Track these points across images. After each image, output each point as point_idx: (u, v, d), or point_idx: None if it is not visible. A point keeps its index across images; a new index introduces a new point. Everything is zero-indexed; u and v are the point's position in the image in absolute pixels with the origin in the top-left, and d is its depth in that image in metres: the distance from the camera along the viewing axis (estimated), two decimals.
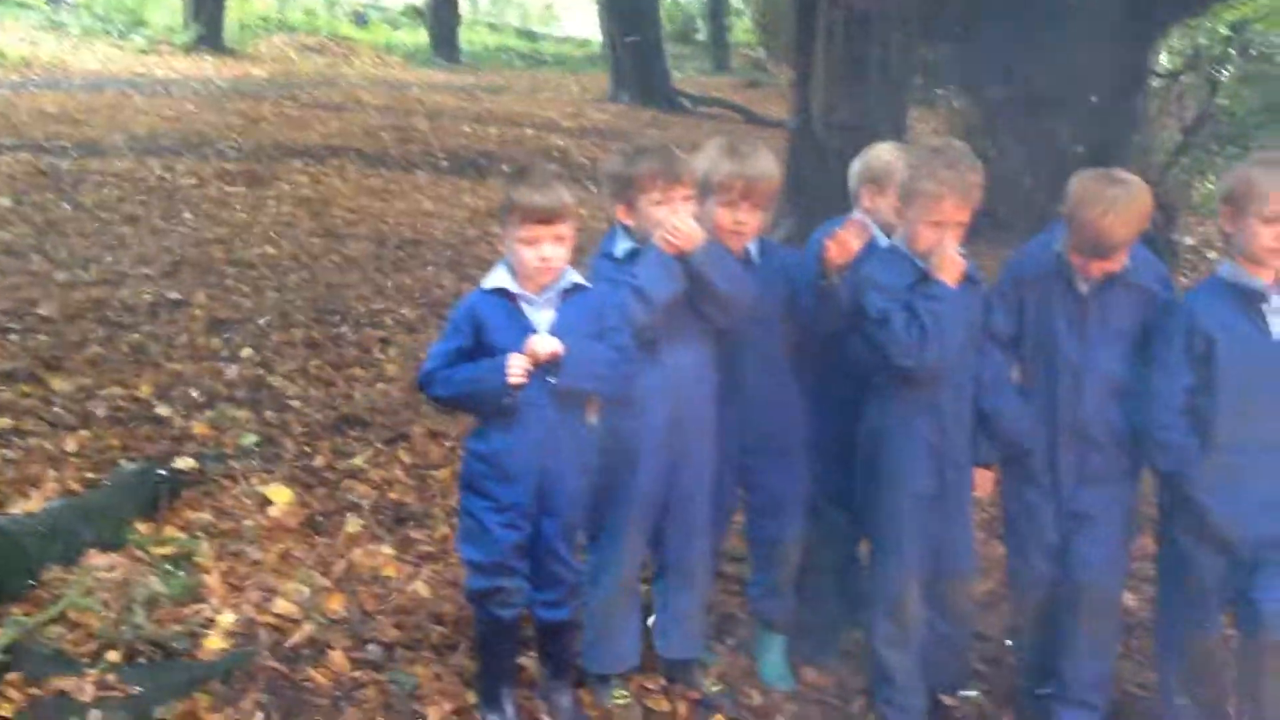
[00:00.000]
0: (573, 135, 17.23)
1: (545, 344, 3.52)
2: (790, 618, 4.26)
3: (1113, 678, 4.15)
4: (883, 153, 4.17)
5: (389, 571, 4.61)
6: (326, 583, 4.46)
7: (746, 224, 3.93)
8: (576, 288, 3.65)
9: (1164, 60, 13.42)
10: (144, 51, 23.53)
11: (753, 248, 4.02)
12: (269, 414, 5.97)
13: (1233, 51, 13.90)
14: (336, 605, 4.33)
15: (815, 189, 9.13)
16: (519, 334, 3.55)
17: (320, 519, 5.00)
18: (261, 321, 7.32)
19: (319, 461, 5.53)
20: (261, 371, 6.53)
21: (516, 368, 3.48)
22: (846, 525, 4.21)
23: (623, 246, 3.83)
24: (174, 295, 7.65)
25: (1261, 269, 3.61)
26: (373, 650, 4.10)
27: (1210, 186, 14.62)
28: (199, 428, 5.67)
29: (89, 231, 9.06)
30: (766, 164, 3.94)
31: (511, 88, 23.41)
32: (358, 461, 5.56)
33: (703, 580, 4.03)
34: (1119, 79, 11.32)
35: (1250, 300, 3.62)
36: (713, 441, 3.94)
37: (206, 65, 22.36)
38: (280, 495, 5.08)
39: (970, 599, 4.26)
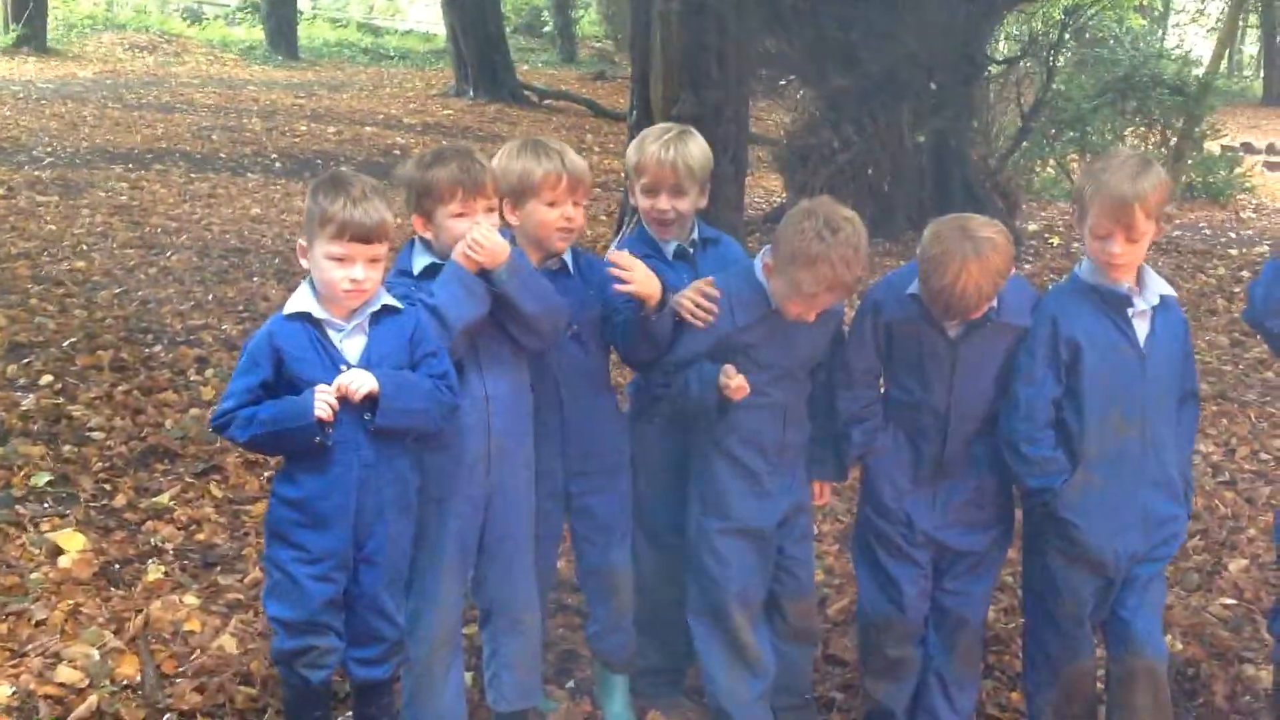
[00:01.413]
0: (415, 132, 16.79)
1: (359, 382, 3.16)
2: (631, 655, 3.96)
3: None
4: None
5: (192, 625, 4.19)
6: (119, 643, 4.03)
7: (575, 220, 3.65)
8: (387, 309, 3.29)
9: (1002, 47, 13.44)
10: None
11: (567, 257, 3.73)
12: (67, 448, 5.48)
13: (1068, 37, 14.05)
14: (129, 669, 3.91)
15: None
16: (326, 364, 3.19)
17: (118, 567, 4.57)
18: (65, 344, 6.79)
19: (119, 500, 5.07)
20: (61, 400, 6.02)
21: (323, 401, 3.12)
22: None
23: (420, 262, 3.47)
24: None
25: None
26: None
27: (1050, 172, 14.80)
28: None
29: None
30: (581, 160, 3.69)
31: (352, 83, 22.84)
32: (163, 499, 5.12)
33: (531, 622, 3.67)
34: (958, 66, 11.29)
35: (1114, 305, 3.43)
36: (530, 473, 3.63)
37: (28, 66, 21.32)
38: (72, 542, 4.63)
39: (812, 618, 4.05)
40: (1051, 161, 14.74)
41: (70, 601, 4.26)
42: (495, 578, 3.62)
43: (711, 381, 3.53)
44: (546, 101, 21.46)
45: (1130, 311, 3.43)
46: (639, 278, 3.49)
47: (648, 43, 9.40)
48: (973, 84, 11.58)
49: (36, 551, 4.57)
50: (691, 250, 3.83)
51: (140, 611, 4.23)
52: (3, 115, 14.98)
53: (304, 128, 15.82)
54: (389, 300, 3.29)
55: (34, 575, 4.40)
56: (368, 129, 16.30)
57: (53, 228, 9.42)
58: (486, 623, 3.71)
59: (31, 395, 6.04)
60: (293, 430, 3.14)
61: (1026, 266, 10.61)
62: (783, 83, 13.05)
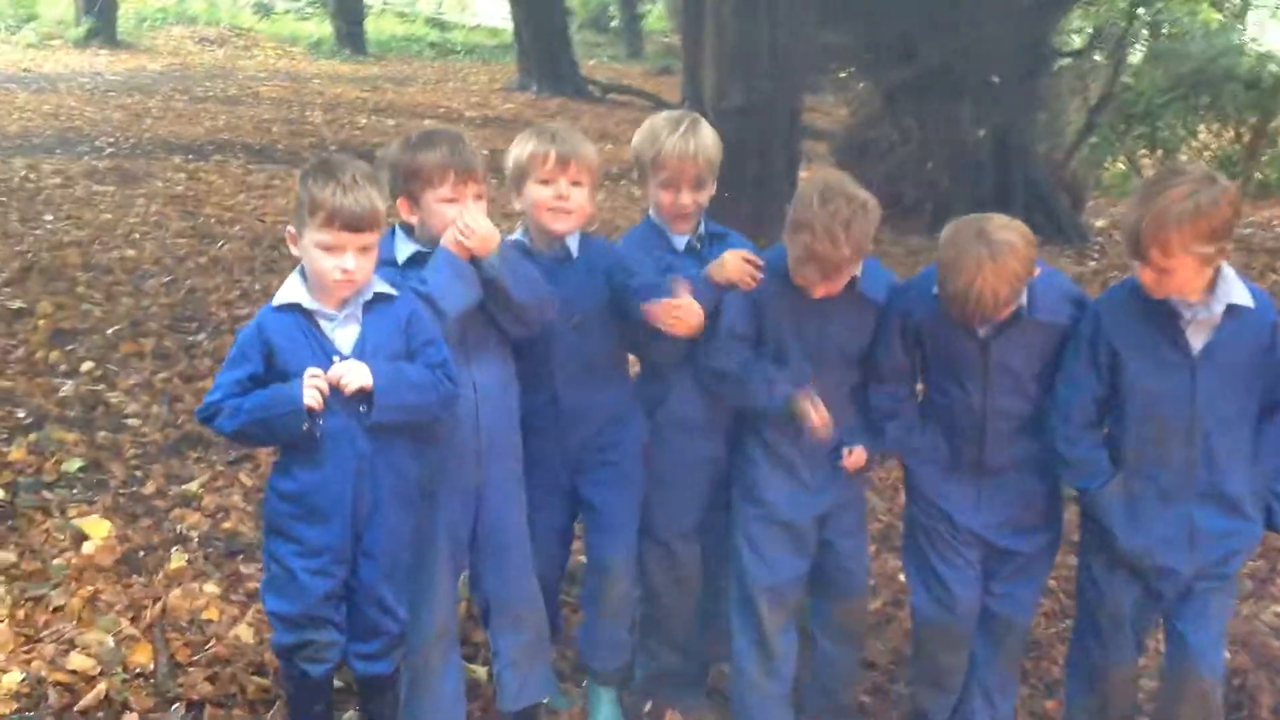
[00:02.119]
0: (476, 125, 16.73)
1: (354, 376, 3.08)
2: (620, 668, 3.86)
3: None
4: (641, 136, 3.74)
5: (210, 614, 4.16)
6: (134, 631, 4.00)
7: (570, 199, 3.54)
8: (381, 297, 3.20)
9: (1070, 40, 13.15)
10: (33, 46, 22.69)
11: (572, 242, 3.64)
12: (101, 435, 5.47)
13: (1144, 31, 13.75)
14: (143, 657, 3.88)
15: None
16: (318, 356, 3.10)
17: (141, 554, 4.54)
18: (110, 331, 6.80)
19: (149, 488, 5.05)
20: (101, 387, 6.03)
21: (313, 388, 3.03)
22: (702, 560, 3.86)
23: (404, 250, 3.37)
24: (17, 304, 7.10)
25: None
26: (176, 711, 3.65)
27: (1121, 167, 14.50)
28: (15, 453, 5.16)
29: None
30: (583, 142, 3.60)
31: (417, 78, 22.89)
32: (192, 487, 5.09)
33: (532, 619, 3.57)
34: (1022, 59, 11.06)
35: (1163, 312, 3.24)
36: (518, 465, 3.54)
37: (99, 59, 21.61)
38: (97, 529, 4.61)
39: (858, 618, 3.91)
40: (1121, 157, 14.43)
41: (90, 588, 4.23)
42: (490, 573, 3.54)
43: (782, 398, 3.48)
44: (610, 96, 21.35)
45: (1185, 319, 3.23)
46: (693, 322, 3.46)
47: (700, 34, 9.30)
48: (1037, 77, 11.32)
49: (61, 537, 4.55)
50: (699, 246, 3.74)
51: (159, 599, 4.20)
52: (69, 106, 15.16)
53: (364, 121, 15.85)
54: (382, 288, 3.19)
55: (56, 561, 4.38)
56: (427, 122, 16.24)
57: (108, 216, 9.47)
58: (486, 621, 3.62)
59: (71, 382, 6.05)
60: (280, 417, 3.05)
61: (1091, 264, 10.38)
62: (842, 75, 12.85)
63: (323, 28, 28.79)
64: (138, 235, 8.96)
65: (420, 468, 3.28)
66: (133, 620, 4.08)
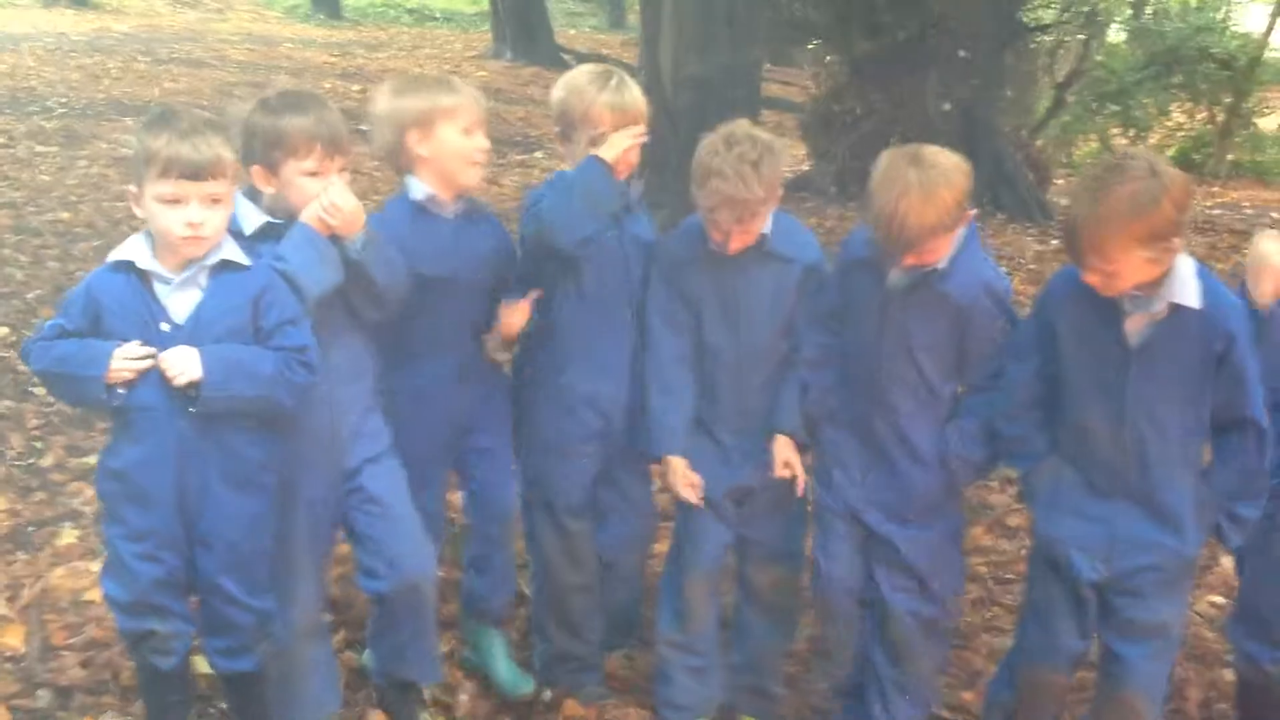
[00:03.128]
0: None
1: (180, 368, 2.84)
2: (509, 609, 3.83)
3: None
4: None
5: (93, 595, 3.94)
6: (7, 612, 3.82)
7: (486, 148, 3.42)
8: (229, 265, 2.94)
9: (1041, 15, 12.95)
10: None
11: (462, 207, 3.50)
12: (4, 404, 5.28)
13: (1128, 9, 13.58)
14: (14, 640, 3.70)
15: (665, 148, 8.57)
16: (145, 321, 2.87)
17: (30, 529, 4.35)
18: (31, 296, 6.58)
19: (48, 460, 4.86)
20: (11, 354, 5.81)
21: (123, 361, 2.81)
22: (592, 536, 3.72)
23: (253, 220, 3.11)
24: None
25: None
26: (42, 697, 3.48)
27: (1093, 145, 14.34)
28: None
29: None
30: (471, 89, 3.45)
31: (391, 44, 22.59)
32: (93, 460, 4.87)
33: (427, 592, 3.35)
34: (991, 33, 10.87)
35: (1110, 299, 3.00)
36: (376, 442, 3.33)
37: (64, 19, 21.26)
38: None
39: (783, 591, 3.69)
40: (1093, 136, 14.26)
41: None
42: (382, 542, 3.31)
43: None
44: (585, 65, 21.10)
45: (1126, 310, 2.99)
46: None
47: (659, 2, 9.08)
48: (1005, 52, 11.12)
49: None
50: (620, 210, 3.52)
51: (41, 578, 4.01)
52: (26, 66, 14.86)
53: (329, 85, 15.54)
54: (233, 254, 2.94)
55: None
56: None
57: (46, 178, 9.23)
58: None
59: None
60: (79, 378, 2.83)
61: (1053, 242, 10.20)
62: (809, 47, 12.64)
63: None
64: (74, 198, 8.72)
65: (263, 452, 3.05)
66: (10, 599, 3.89)
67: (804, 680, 3.86)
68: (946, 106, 10.69)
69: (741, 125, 3.31)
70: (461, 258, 3.43)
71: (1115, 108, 13.46)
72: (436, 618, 3.49)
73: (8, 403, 5.29)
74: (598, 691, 3.76)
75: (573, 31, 25.78)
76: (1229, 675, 4.01)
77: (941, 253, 3.15)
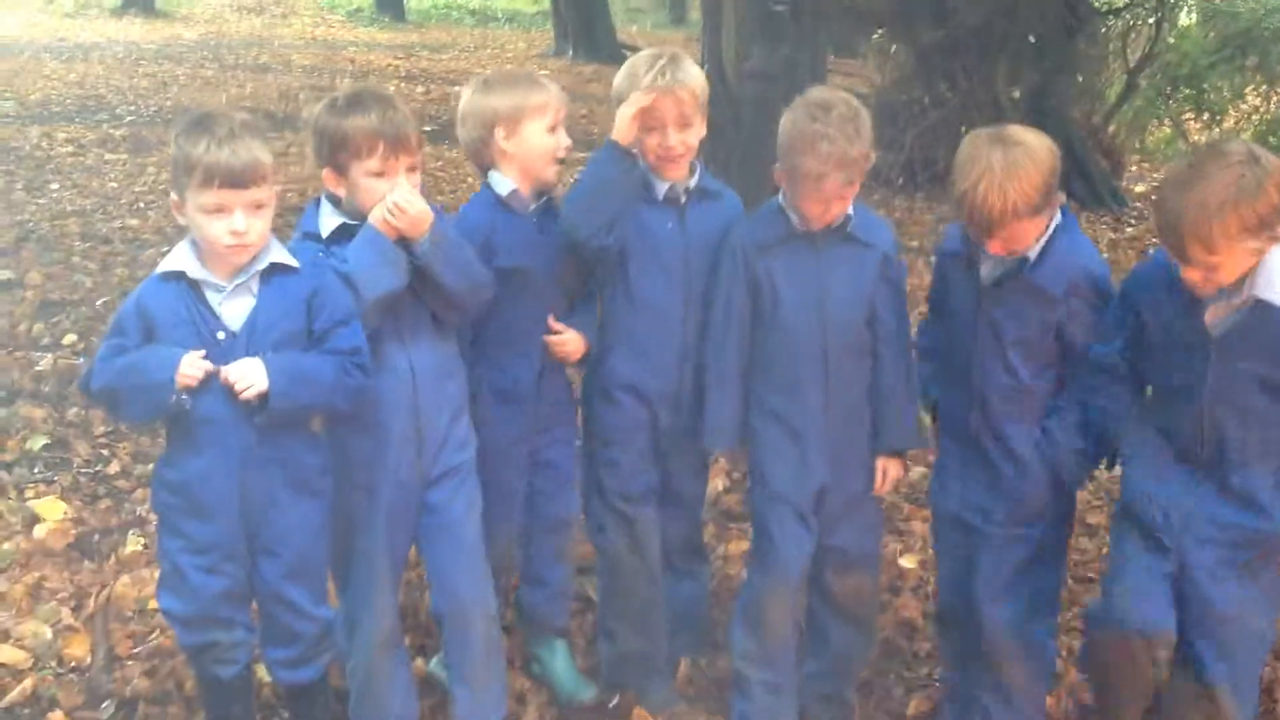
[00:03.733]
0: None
1: (247, 380, 2.79)
2: (568, 617, 3.81)
3: None
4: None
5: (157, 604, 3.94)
6: (74, 621, 3.81)
7: (569, 145, 3.41)
8: (279, 268, 2.90)
9: None
10: (70, 15, 22.67)
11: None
12: (72, 411, 5.28)
13: None
14: (79, 650, 3.69)
15: (729, 140, 8.49)
16: (202, 332, 2.83)
17: (96, 538, 4.35)
18: (99, 303, 6.61)
19: (113, 468, 4.86)
20: (80, 361, 5.82)
21: (193, 368, 2.77)
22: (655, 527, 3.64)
23: (329, 222, 3.08)
24: (6, 275, 6.93)
25: None
26: (106, 708, 3.46)
27: (1166, 130, 14.02)
28: None
29: None
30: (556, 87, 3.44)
31: (454, 45, 22.65)
32: None
33: (482, 623, 3.28)
34: (1060, 18, 10.64)
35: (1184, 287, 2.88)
36: (462, 451, 3.28)
37: (133, 28, 21.55)
38: (51, 511, 4.44)
39: (864, 599, 3.60)
40: (1166, 121, 13.95)
41: (36, 574, 4.04)
42: (438, 572, 3.30)
43: None
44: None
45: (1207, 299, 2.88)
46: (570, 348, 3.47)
47: None
48: (1075, 37, 10.88)
49: (13, 520, 4.37)
50: (684, 199, 3.45)
51: (106, 586, 4.00)
52: (95, 75, 15.05)
53: (392, 87, 15.58)
54: (281, 256, 2.90)
55: (5, 545, 4.20)
56: (456, 89, 15.99)
57: (114, 185, 9.30)
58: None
59: (49, 355, 5.87)
60: (148, 386, 2.77)
61: (1129, 229, 10.00)
62: (875, 37, 12.47)
63: None
64: (142, 204, 8.78)
65: (321, 457, 3.02)
66: (75, 609, 3.89)
67: (879, 686, 3.76)
68: (1015, 94, 10.50)
69: (821, 91, 3.26)
70: (541, 251, 3.40)
71: (1188, 91, 13.15)
72: (500, 649, 3.45)
73: (76, 410, 5.29)
74: (666, 697, 3.67)
75: (634, 28, 25.69)
76: None
77: (1029, 239, 3.04)
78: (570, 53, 20.61)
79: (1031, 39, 10.48)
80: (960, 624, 3.43)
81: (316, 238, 3.08)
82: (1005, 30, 10.48)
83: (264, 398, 2.82)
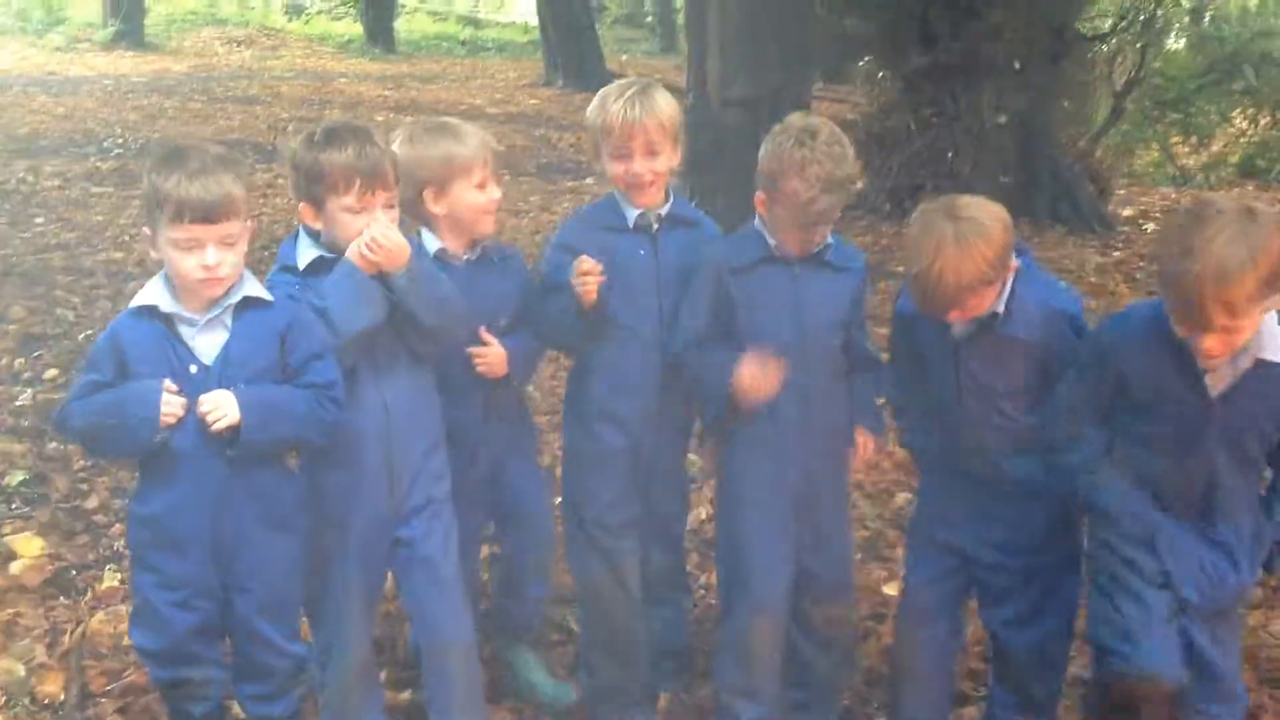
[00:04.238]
0: (498, 122, 16.47)
1: (219, 413, 2.79)
2: (540, 625, 3.90)
3: None
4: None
5: None
6: (47, 659, 3.76)
7: (497, 200, 3.42)
8: (252, 302, 2.89)
9: (1098, 24, 12.72)
10: (61, 49, 22.71)
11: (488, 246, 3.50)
12: (52, 446, 5.24)
13: (1186, 17, 13.32)
14: (53, 687, 3.65)
15: (713, 168, 8.48)
16: (174, 365, 2.82)
17: (73, 573, 4.30)
18: (81, 337, 6.57)
19: (92, 502, 4.82)
20: (60, 395, 5.75)
21: (172, 405, 2.76)
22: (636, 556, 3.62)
23: (306, 255, 3.07)
24: None
25: None
26: None
27: (1155, 154, 14.05)
28: None
29: None
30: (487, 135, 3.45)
31: (445, 76, 22.71)
32: None
33: (458, 655, 3.27)
34: (1046, 43, 10.65)
35: (1184, 349, 2.82)
36: (444, 485, 3.27)
37: (124, 62, 21.59)
38: (28, 547, 4.39)
39: (843, 627, 3.61)
40: (1154, 144, 13.99)
41: (10, 611, 4.00)
42: (415, 606, 3.28)
43: (726, 370, 3.23)
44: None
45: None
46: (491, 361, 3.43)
47: (705, 20, 8.99)
48: (1061, 62, 10.90)
49: None
50: (655, 225, 3.44)
51: (82, 622, 3.96)
52: (84, 109, 15.05)
53: (382, 118, 15.59)
54: (255, 290, 2.89)
55: None
56: (447, 120, 16.05)
57: (99, 218, 9.27)
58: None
59: (30, 390, 5.83)
60: (130, 424, 2.76)
61: (1115, 254, 9.97)
62: (861, 64, 12.50)
63: (354, 27, 28.72)
64: (127, 237, 8.74)
65: (295, 491, 3.00)
66: (49, 646, 3.84)
67: (861, 714, 3.72)
68: (1002, 119, 10.49)
69: (802, 117, 3.28)
70: (471, 303, 3.34)
71: (1176, 115, 13.19)
72: (480, 682, 3.42)
73: (55, 444, 5.25)
74: None
75: (625, 57, 25.84)
76: None
77: (986, 305, 3.00)
78: (560, 82, 20.66)
79: (1017, 65, 10.47)
80: (928, 651, 3.39)
81: (294, 270, 3.06)
82: (991, 56, 10.49)
83: (236, 430, 2.80)
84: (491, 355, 3.42)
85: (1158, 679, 2.97)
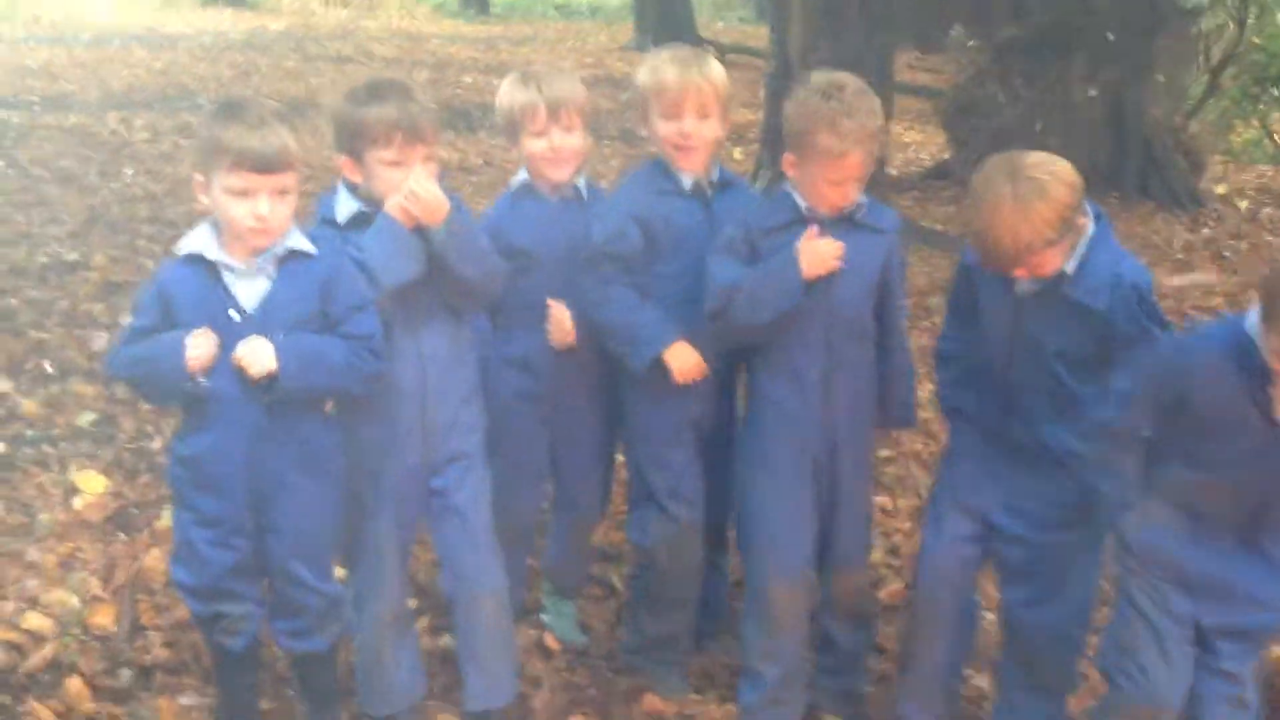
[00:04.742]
0: (585, 84, 16.46)
1: (255, 359, 2.85)
2: (581, 583, 3.99)
3: None
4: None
5: None
6: (101, 591, 3.87)
7: (563, 147, 3.42)
8: (297, 254, 2.94)
9: None
10: (161, 6, 23.09)
11: (581, 184, 3.52)
12: (121, 389, 5.35)
13: None
14: (105, 619, 3.74)
15: None
16: (216, 311, 2.88)
17: (133, 511, 4.42)
18: None
19: (157, 444, 4.92)
20: None
21: (200, 349, 2.82)
22: (701, 526, 3.62)
23: (346, 209, 3.11)
24: (73, 257, 7.06)
25: None
26: (124, 676, 3.51)
27: (1254, 131, 13.70)
28: (29, 405, 5.08)
29: (10, 189, 8.49)
30: (569, 84, 3.46)
31: (537, 38, 22.77)
32: None
33: (490, 602, 3.31)
34: (1140, 15, 10.41)
35: (1252, 370, 2.72)
36: (473, 435, 3.30)
37: (223, 18, 21.92)
38: (92, 484, 4.51)
39: (861, 596, 3.60)
40: (1254, 121, 13.64)
41: (71, 545, 4.11)
42: (447, 551, 3.33)
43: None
44: (728, 57, 20.95)
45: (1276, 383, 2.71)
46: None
47: None
48: (1155, 35, 10.65)
49: (54, 492, 4.46)
50: (709, 190, 3.45)
51: (137, 558, 4.06)
52: (180, 64, 15.31)
53: (469, 80, 15.72)
54: (299, 243, 2.93)
55: (42, 516, 4.28)
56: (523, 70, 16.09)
57: (187, 172, 9.42)
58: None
59: (106, 334, 5.96)
60: (162, 372, 2.85)
61: (1205, 231, 9.76)
62: (953, 33, 12.31)
63: None
64: None
65: (334, 438, 3.05)
66: (105, 580, 3.95)
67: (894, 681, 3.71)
68: (1092, 92, 10.30)
69: (826, 73, 3.25)
70: (551, 235, 3.46)
71: (1277, 92, 12.83)
72: (511, 632, 3.47)
73: (124, 388, 5.37)
74: (679, 686, 3.66)
75: (720, 24, 25.69)
76: None
77: (1055, 264, 2.94)
78: (650, 46, 20.53)
79: (1110, 37, 10.25)
80: (946, 617, 3.37)
81: (334, 224, 3.11)
82: (1084, 27, 10.29)
83: (273, 378, 2.86)
84: (565, 320, 3.48)
85: (1161, 713, 2.97)
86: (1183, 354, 2.90)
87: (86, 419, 5.05)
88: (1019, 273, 2.95)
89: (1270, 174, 12.38)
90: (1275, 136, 13.13)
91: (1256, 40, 12.14)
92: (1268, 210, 10.55)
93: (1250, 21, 11.80)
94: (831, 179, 3.15)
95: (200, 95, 12.95)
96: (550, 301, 3.47)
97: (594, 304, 3.44)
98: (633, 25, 22.18)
